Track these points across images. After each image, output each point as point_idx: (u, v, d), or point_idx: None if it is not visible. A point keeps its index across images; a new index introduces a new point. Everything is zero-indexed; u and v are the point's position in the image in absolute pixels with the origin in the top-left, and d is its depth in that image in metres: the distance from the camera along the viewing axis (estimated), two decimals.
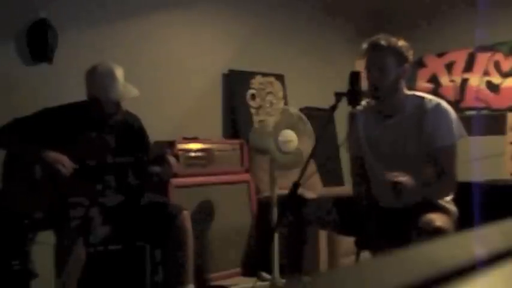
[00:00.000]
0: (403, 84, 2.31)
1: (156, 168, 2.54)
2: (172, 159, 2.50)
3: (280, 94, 4.38)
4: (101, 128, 2.58)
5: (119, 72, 2.52)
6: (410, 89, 2.38)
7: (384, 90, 2.27)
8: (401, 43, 2.28)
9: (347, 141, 2.52)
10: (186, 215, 2.61)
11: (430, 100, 2.27)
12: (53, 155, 2.40)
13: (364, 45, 2.29)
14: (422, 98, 2.30)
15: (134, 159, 2.57)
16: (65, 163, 2.41)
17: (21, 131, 2.47)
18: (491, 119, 4.35)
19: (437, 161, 2.24)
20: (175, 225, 2.55)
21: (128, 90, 2.54)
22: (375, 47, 2.26)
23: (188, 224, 2.60)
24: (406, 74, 2.32)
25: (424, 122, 2.23)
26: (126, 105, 2.64)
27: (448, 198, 2.32)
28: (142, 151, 2.66)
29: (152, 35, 3.70)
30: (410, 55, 2.31)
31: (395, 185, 2.06)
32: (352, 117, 2.45)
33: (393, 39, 2.27)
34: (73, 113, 2.57)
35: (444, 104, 2.27)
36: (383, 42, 2.25)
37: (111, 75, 2.49)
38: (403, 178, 2.07)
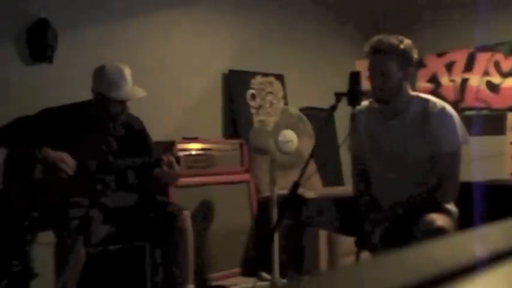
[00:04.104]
0: (406, 86, 2.28)
1: (159, 170, 2.54)
2: (172, 163, 2.50)
3: (280, 94, 4.38)
4: (102, 129, 2.58)
5: (128, 72, 2.52)
6: (411, 89, 2.35)
7: (387, 93, 2.25)
8: (404, 45, 2.22)
9: (349, 140, 2.51)
10: (187, 215, 2.61)
11: (435, 103, 2.24)
12: (55, 154, 2.40)
13: (366, 48, 2.25)
14: (427, 100, 2.26)
15: (139, 161, 2.56)
16: (67, 162, 2.41)
17: (23, 131, 2.47)
18: (491, 119, 4.35)
19: (440, 166, 2.22)
20: (176, 225, 2.55)
21: (136, 91, 2.54)
22: (376, 50, 2.22)
23: (188, 225, 2.60)
24: (410, 75, 2.29)
25: (428, 126, 2.21)
26: (127, 106, 2.64)
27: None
28: (145, 153, 2.65)
29: (152, 35, 3.70)
30: (414, 55, 2.25)
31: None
32: (355, 116, 2.43)
33: (395, 42, 2.21)
34: (75, 113, 2.57)
35: (449, 108, 2.24)
36: (385, 46, 2.20)
37: (120, 75, 2.49)
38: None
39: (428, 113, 2.22)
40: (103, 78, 2.49)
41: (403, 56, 2.22)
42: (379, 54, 2.22)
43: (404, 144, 2.27)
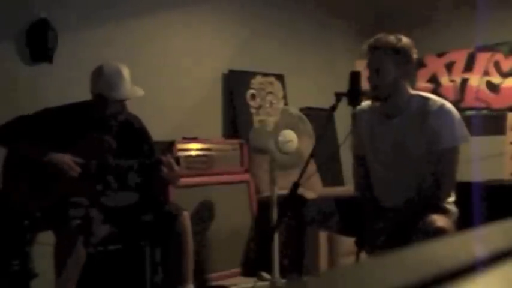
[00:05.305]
0: (405, 84, 2.28)
1: (159, 173, 2.54)
2: (172, 164, 2.49)
3: (280, 94, 4.38)
4: (102, 129, 2.58)
5: (126, 72, 2.52)
6: (412, 89, 2.35)
7: (382, 91, 2.26)
8: (401, 43, 2.23)
9: (350, 140, 2.51)
10: (186, 215, 2.61)
11: (435, 101, 2.24)
12: (59, 156, 2.39)
13: (364, 46, 2.28)
14: (427, 98, 2.26)
15: (140, 162, 2.56)
16: (71, 164, 2.40)
17: (22, 130, 2.47)
18: (491, 119, 4.35)
19: (439, 163, 2.22)
20: (175, 226, 2.55)
21: (134, 90, 2.54)
22: (372, 48, 2.25)
23: (188, 225, 2.60)
24: (408, 74, 2.29)
25: (427, 123, 2.21)
26: (127, 106, 2.64)
27: (449, 199, 2.32)
28: (145, 153, 2.65)
29: (152, 35, 3.70)
30: (413, 54, 2.26)
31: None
32: (356, 116, 2.43)
33: (393, 40, 2.23)
34: (74, 113, 2.57)
35: (448, 105, 2.24)
36: (381, 44, 2.22)
37: (118, 74, 2.49)
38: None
39: (428, 111, 2.22)
40: (101, 78, 2.49)
41: (400, 53, 2.23)
42: (375, 51, 2.24)
43: (405, 143, 2.27)
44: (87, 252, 2.38)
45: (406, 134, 2.27)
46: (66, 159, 2.40)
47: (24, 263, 2.50)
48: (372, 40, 2.27)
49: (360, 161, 2.49)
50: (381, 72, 2.23)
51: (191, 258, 2.61)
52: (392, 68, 2.23)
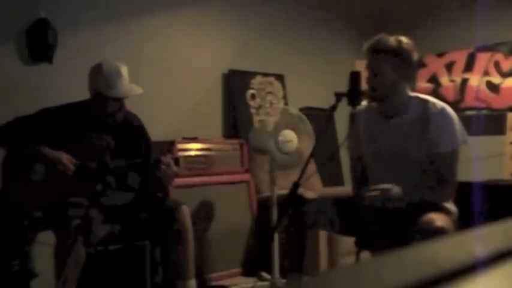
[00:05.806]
0: (404, 86, 2.27)
1: (158, 172, 2.53)
2: (170, 164, 2.49)
3: (280, 94, 4.38)
4: (101, 128, 2.58)
5: (124, 70, 2.52)
6: (412, 90, 2.35)
7: (380, 93, 2.26)
8: (402, 46, 2.22)
9: (348, 141, 2.51)
10: (185, 209, 2.60)
11: (434, 104, 2.24)
12: (55, 153, 2.40)
13: (365, 47, 2.28)
14: (426, 101, 2.26)
15: (140, 162, 2.56)
16: (65, 162, 2.41)
17: (22, 130, 2.47)
18: (491, 119, 4.36)
19: (439, 166, 2.22)
20: (175, 220, 2.55)
21: (133, 88, 2.55)
22: (371, 50, 2.24)
23: (187, 219, 2.60)
24: (408, 76, 2.28)
25: (427, 126, 2.21)
26: (126, 105, 2.64)
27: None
28: (143, 151, 2.65)
29: (152, 35, 3.70)
30: (414, 57, 2.25)
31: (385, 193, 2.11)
32: (354, 117, 2.44)
33: (393, 43, 2.22)
34: (73, 112, 2.57)
35: (448, 108, 2.24)
36: (381, 47, 2.22)
37: (117, 72, 2.49)
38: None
39: (428, 114, 2.22)
40: (100, 76, 2.49)
41: (401, 57, 2.22)
42: (374, 54, 2.23)
43: (404, 145, 2.27)
44: (87, 252, 2.38)
45: (405, 135, 2.27)
46: (62, 157, 2.40)
47: (24, 263, 2.50)
48: (372, 42, 2.25)
49: (357, 162, 2.49)
50: (379, 76, 2.23)
51: (192, 252, 2.60)
52: (391, 71, 2.22)
